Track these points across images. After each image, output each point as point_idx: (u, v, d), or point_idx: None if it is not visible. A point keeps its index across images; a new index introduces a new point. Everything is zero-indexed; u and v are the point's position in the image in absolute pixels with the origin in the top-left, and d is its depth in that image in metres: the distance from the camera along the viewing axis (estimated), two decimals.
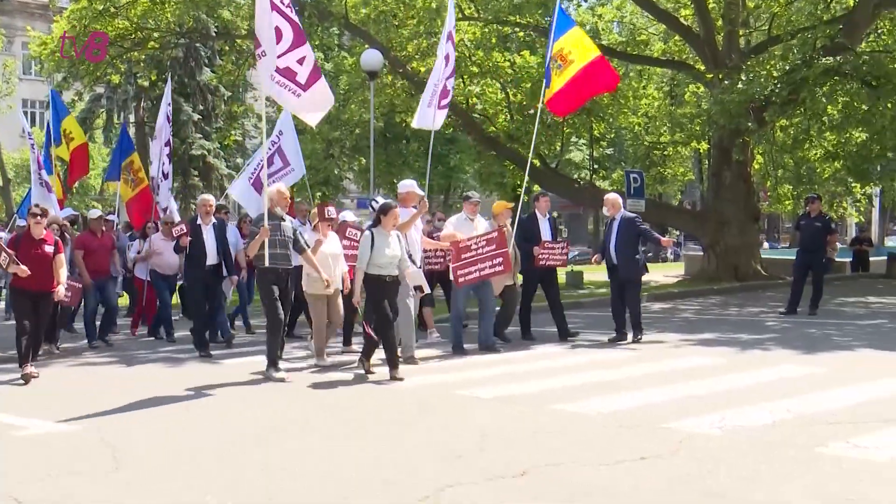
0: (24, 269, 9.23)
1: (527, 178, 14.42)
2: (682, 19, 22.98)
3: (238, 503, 5.02)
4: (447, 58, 12.40)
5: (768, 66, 20.57)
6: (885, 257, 24.77)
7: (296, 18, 9.76)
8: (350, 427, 6.97)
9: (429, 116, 12.22)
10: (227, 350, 11.69)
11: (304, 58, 9.66)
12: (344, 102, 24.40)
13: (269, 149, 13.45)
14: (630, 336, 11.49)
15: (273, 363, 9.26)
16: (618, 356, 10.44)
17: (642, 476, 5.42)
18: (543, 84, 12.51)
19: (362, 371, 9.42)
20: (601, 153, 33.83)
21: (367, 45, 21.13)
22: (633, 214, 12.25)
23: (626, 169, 24.53)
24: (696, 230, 24.16)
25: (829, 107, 21.10)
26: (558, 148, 26.03)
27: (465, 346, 10.81)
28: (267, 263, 9.32)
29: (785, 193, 27.14)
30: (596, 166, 32.84)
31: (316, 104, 10.07)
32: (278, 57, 9.41)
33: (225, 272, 12.01)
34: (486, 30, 23.49)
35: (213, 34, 28.22)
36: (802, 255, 14.71)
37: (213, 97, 36.29)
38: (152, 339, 13.23)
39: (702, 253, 23.00)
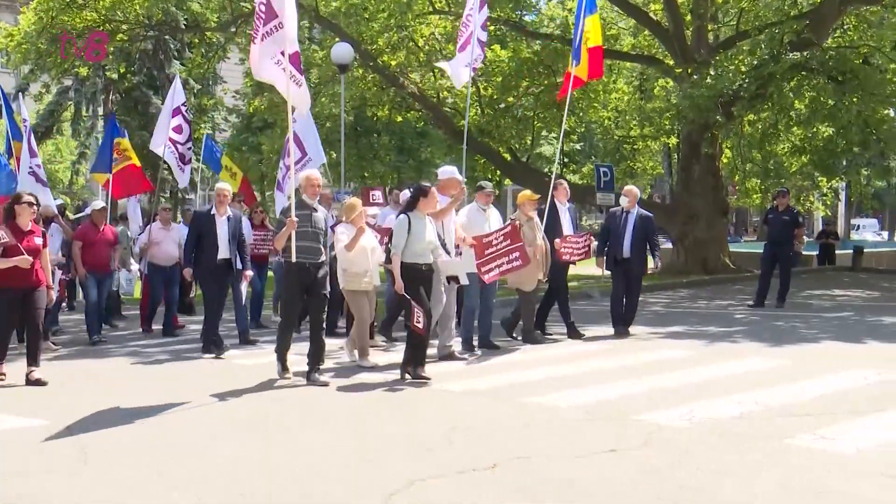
0: (25, 259, 8.52)
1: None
2: (651, 14, 23.08)
3: (205, 499, 5.00)
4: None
5: (736, 62, 20.73)
6: (851, 251, 25.05)
7: None
8: (319, 421, 6.96)
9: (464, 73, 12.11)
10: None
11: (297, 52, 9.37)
12: (314, 96, 24.28)
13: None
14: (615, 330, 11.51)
15: (282, 360, 8.72)
16: (587, 349, 10.50)
17: (612, 468, 5.46)
18: (572, 63, 12.31)
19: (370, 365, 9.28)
20: (571, 147, 33.92)
21: (337, 39, 21.04)
22: (650, 214, 12.11)
23: (596, 163, 24.64)
24: (665, 224, 24.30)
25: (796, 102, 21.31)
26: (529, 142, 26.09)
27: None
28: (294, 258, 8.56)
29: (753, 187, 27.33)
30: (566, 160, 32.93)
31: (304, 101, 9.82)
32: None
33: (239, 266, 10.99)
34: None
35: (183, 27, 27.98)
36: (770, 249, 14.87)
37: (183, 90, 35.98)
38: (169, 337, 12.34)
39: (671, 246, 23.14)
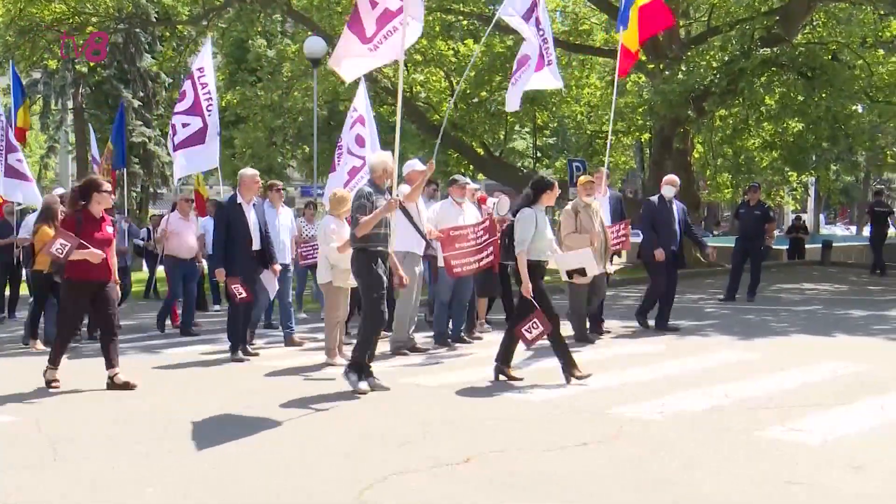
0: (98, 253, 7.99)
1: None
2: None
3: (177, 494, 4.99)
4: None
5: (707, 57, 20.87)
6: (820, 245, 25.32)
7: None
8: (293, 416, 6.95)
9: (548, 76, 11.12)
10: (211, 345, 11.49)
11: None
12: (287, 90, 24.21)
13: (349, 129, 12.60)
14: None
15: (359, 367, 7.85)
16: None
17: (585, 462, 5.50)
18: (619, 30, 12.03)
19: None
20: (544, 142, 34.01)
21: (310, 33, 20.99)
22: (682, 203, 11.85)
23: (569, 157, 24.71)
24: (637, 218, 24.47)
25: (766, 97, 21.50)
26: (502, 136, 26.14)
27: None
28: (374, 247, 7.93)
29: (724, 182, 27.55)
30: (539, 155, 33.03)
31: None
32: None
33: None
34: (430, 18, 23.43)
35: (154, 20, 27.79)
36: (741, 243, 14.99)
37: (154, 84, 35.76)
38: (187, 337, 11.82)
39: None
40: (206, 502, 4.85)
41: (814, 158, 24.29)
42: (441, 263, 10.09)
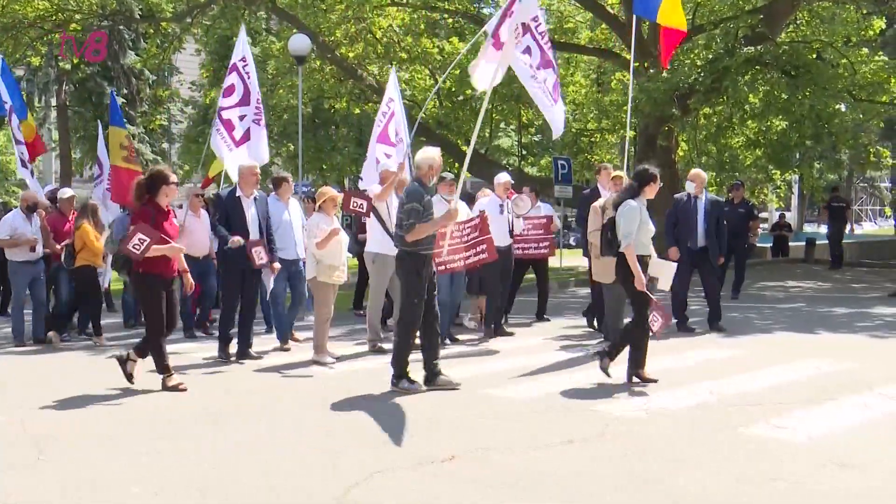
0: (178, 247, 7.87)
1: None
2: (608, 8, 23.20)
3: (164, 492, 4.97)
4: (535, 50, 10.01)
5: (692, 56, 20.92)
6: (804, 242, 25.43)
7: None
8: (277, 414, 6.94)
9: (559, 117, 10.49)
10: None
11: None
12: (272, 88, 24.13)
13: (381, 120, 12.11)
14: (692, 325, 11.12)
15: (402, 374, 7.74)
16: (545, 342, 10.55)
17: (570, 459, 5.51)
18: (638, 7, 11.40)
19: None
20: (529, 140, 34.03)
21: (294, 30, 20.92)
22: (720, 198, 11.55)
23: (554, 155, 24.71)
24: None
25: (750, 95, 21.55)
26: (487, 134, 26.14)
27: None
28: (420, 250, 7.70)
29: (708, 180, 27.61)
30: (524, 152, 33.07)
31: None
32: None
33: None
34: (415, 16, 23.46)
35: (138, 17, 27.64)
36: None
37: (138, 81, 35.59)
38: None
39: None
40: (191, 500, 4.83)
41: (797, 156, 24.39)
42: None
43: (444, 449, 5.72)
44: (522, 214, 11.25)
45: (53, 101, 35.78)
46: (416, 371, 7.82)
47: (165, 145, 39.76)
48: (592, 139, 28.59)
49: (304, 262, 10.25)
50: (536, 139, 35.34)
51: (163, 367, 7.94)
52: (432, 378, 7.79)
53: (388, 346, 9.93)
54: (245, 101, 11.58)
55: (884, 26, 22.67)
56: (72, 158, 34.88)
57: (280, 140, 31.32)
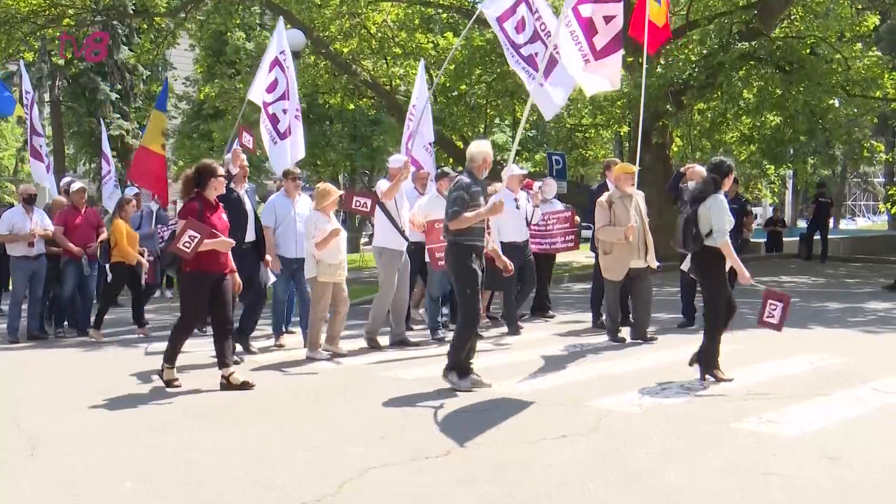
0: (229, 241, 7.75)
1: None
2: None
3: (158, 489, 4.97)
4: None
5: (686, 51, 20.95)
6: (798, 238, 25.49)
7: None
8: (272, 410, 6.94)
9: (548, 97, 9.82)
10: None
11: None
12: None
13: (412, 115, 12.06)
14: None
15: (458, 367, 7.55)
16: (539, 336, 10.57)
17: (563, 453, 5.52)
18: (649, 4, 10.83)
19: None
20: (524, 135, 34.02)
21: (289, 25, 20.88)
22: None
23: (549, 151, 24.75)
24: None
25: (744, 91, 21.58)
26: (482, 130, 26.13)
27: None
28: (471, 242, 7.56)
29: None
30: (519, 148, 33.05)
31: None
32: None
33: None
34: (410, 11, 23.43)
35: (131, 12, 27.59)
36: None
37: (132, 76, 35.54)
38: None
39: None
40: (186, 495, 4.84)
41: (791, 152, 24.45)
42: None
43: (439, 444, 5.73)
44: (550, 198, 11.22)
45: (47, 97, 35.70)
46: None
47: None
48: (587, 134, 28.60)
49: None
50: (531, 134, 35.35)
51: (170, 357, 7.80)
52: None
53: (384, 340, 9.99)
54: (288, 94, 11.54)
55: (878, 22, 22.73)
56: (65, 154, 34.77)
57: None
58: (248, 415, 6.79)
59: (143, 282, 11.73)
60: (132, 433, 6.22)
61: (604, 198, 9.98)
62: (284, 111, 11.45)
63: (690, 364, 7.80)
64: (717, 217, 7.57)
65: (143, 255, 11.59)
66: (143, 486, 5.00)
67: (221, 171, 7.89)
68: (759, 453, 5.46)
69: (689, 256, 8.05)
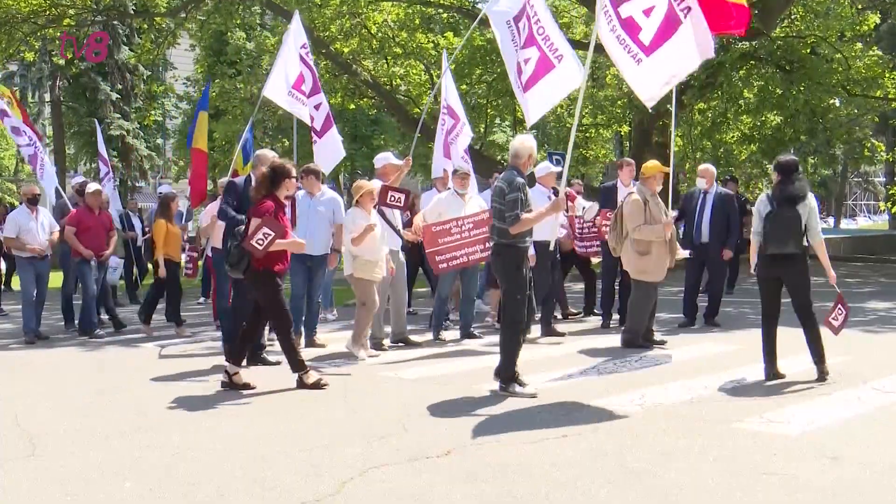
0: (300, 242, 7.88)
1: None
2: None
3: (158, 487, 4.97)
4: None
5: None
6: None
7: None
8: (272, 409, 6.94)
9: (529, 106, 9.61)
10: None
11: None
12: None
13: (444, 110, 11.77)
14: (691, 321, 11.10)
15: (512, 377, 7.28)
16: (539, 336, 10.56)
17: (563, 453, 5.52)
18: None
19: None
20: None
21: (289, 25, 20.89)
22: (731, 192, 11.53)
23: (549, 150, 24.72)
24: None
25: (745, 91, 21.60)
26: (482, 130, 26.14)
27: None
28: (522, 243, 7.35)
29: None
30: None
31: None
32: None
33: None
34: (410, 11, 23.45)
35: (132, 12, 27.60)
36: None
37: (132, 76, 35.52)
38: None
39: None
40: (186, 495, 4.84)
41: (792, 151, 24.45)
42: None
43: (439, 444, 5.73)
44: (589, 219, 11.23)
45: (47, 97, 35.70)
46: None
47: (160, 141, 39.68)
48: (588, 134, 28.63)
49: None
50: (531, 134, 35.40)
51: (298, 364, 7.67)
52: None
53: (386, 342, 9.99)
54: (317, 88, 11.44)
55: (878, 21, 22.73)
56: (66, 154, 34.77)
57: (275, 135, 31.34)
58: (248, 415, 6.79)
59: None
60: (132, 433, 6.21)
61: (637, 196, 9.62)
62: (317, 107, 11.34)
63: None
64: (813, 216, 7.66)
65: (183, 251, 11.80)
66: (142, 485, 4.99)
67: (294, 171, 7.88)
68: (759, 453, 5.46)
69: (760, 257, 7.93)
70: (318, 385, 7.58)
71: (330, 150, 11.40)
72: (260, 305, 7.77)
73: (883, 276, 18.20)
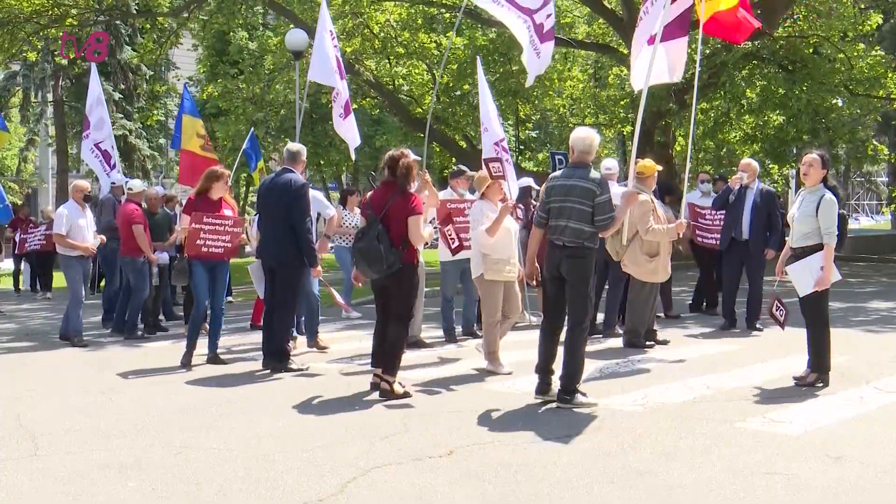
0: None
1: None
2: (605, 2, 23.22)
3: (158, 488, 4.97)
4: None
5: (689, 50, 20.91)
6: None
7: None
8: (275, 409, 6.94)
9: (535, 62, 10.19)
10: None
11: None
12: (269, 83, 24.13)
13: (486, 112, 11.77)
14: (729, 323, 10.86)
15: (576, 391, 6.80)
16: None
17: (566, 453, 5.52)
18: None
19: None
20: (527, 135, 34.05)
21: (291, 25, 20.91)
22: (773, 189, 11.58)
23: (552, 150, 24.75)
24: None
25: (747, 90, 21.61)
26: (483, 130, 26.11)
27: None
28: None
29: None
30: (522, 147, 33.07)
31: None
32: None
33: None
34: (413, 10, 23.46)
35: (134, 11, 27.60)
36: None
37: (135, 76, 35.52)
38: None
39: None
40: (188, 494, 4.84)
41: (794, 151, 24.46)
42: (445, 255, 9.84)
43: (443, 444, 5.73)
44: None
45: (50, 97, 35.70)
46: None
47: (162, 140, 39.65)
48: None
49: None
50: (534, 134, 35.38)
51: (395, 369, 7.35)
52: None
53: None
54: (342, 73, 11.56)
55: (881, 21, 22.72)
56: (68, 154, 34.77)
57: (277, 135, 31.35)
58: (251, 415, 6.79)
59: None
60: (133, 433, 6.21)
61: (646, 197, 9.41)
62: (336, 94, 11.60)
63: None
64: (830, 216, 7.64)
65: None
66: (143, 485, 5.00)
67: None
68: (761, 453, 5.46)
69: (789, 258, 8.00)
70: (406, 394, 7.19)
71: (354, 131, 11.74)
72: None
73: (885, 275, 18.20)
